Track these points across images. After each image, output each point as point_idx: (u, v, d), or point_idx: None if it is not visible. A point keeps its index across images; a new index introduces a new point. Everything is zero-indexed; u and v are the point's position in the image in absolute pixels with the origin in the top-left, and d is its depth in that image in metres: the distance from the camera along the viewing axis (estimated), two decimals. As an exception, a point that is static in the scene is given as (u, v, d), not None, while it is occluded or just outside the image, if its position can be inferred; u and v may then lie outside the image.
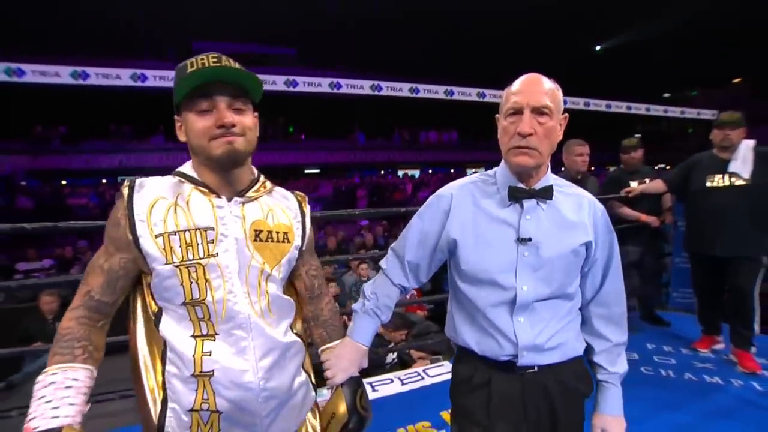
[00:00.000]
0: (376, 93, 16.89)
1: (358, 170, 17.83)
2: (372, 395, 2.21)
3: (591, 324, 1.02)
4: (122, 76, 13.48)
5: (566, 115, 0.96)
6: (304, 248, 0.96)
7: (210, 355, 0.80)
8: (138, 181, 0.84)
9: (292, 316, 0.95)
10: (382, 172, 18.42)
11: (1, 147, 12.91)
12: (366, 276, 4.69)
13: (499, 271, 0.95)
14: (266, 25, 15.12)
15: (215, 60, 0.80)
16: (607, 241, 0.99)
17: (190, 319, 0.81)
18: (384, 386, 2.43)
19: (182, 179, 0.85)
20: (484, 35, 17.58)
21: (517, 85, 0.93)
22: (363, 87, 16.68)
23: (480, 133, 20.06)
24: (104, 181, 14.24)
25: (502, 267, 0.94)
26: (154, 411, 0.82)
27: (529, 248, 0.93)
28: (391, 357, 2.95)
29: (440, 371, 2.61)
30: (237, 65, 0.82)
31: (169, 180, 0.85)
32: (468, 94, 17.63)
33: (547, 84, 0.92)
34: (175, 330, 0.82)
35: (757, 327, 2.48)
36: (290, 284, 0.99)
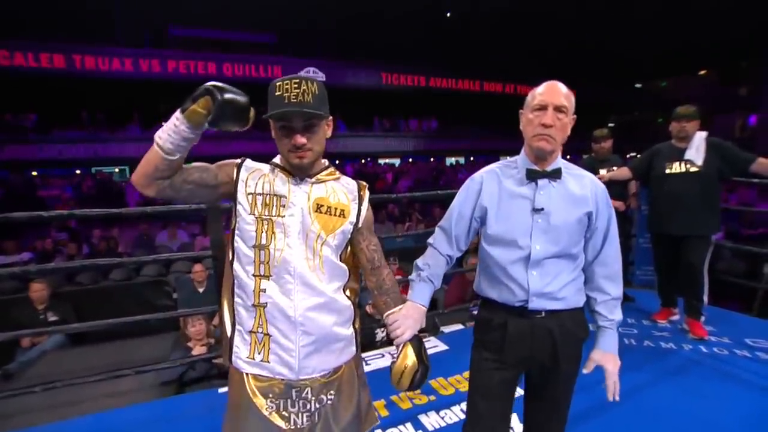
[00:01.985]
0: (356, 81, 16.88)
1: (339, 159, 17.81)
2: (365, 368, 2.39)
3: (594, 281, 1.25)
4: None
5: (575, 116, 1.19)
6: (360, 225, 1.17)
7: (265, 291, 1.06)
8: (246, 160, 1.15)
9: (344, 281, 1.16)
10: (363, 161, 18.44)
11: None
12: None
13: (518, 234, 1.20)
14: (246, 11, 14.77)
15: (295, 95, 1.01)
16: (605, 212, 1.23)
17: (254, 262, 1.07)
18: (375, 360, 2.65)
19: (274, 166, 1.14)
20: (464, 25, 17.68)
21: (543, 87, 1.18)
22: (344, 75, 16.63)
23: (459, 121, 20.26)
24: (78, 171, 13.77)
25: (521, 231, 1.19)
26: (229, 331, 1.12)
27: (542, 216, 1.18)
28: (381, 335, 3.14)
29: (427, 346, 2.82)
30: (313, 88, 1.02)
31: (265, 164, 1.16)
32: (447, 82, 17.83)
33: (565, 90, 1.16)
34: (242, 270, 1.09)
35: (706, 298, 2.77)
36: (354, 257, 1.21)
